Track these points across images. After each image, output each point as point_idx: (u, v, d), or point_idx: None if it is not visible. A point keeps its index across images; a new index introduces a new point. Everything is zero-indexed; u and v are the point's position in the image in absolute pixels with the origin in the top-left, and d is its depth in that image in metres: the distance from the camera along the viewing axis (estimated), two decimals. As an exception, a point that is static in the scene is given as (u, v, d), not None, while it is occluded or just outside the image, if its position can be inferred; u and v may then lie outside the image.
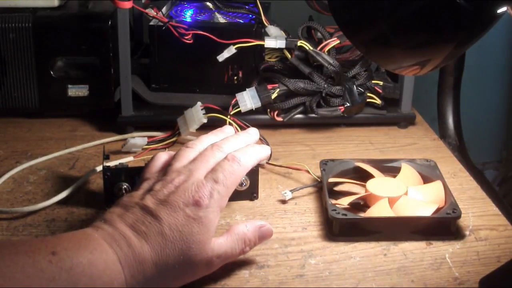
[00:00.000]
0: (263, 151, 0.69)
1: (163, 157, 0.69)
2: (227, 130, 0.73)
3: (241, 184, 0.76)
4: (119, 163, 0.77)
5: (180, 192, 0.61)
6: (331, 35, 0.95)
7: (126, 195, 0.64)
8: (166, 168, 0.66)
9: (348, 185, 0.81)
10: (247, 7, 1.05)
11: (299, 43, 0.94)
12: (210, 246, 0.61)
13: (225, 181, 0.63)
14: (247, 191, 0.78)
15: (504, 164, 1.48)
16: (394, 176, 0.79)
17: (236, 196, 0.75)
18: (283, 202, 0.78)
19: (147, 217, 0.60)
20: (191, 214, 0.60)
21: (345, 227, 0.71)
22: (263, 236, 0.66)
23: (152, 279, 0.58)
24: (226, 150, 0.66)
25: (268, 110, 0.95)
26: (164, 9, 1.02)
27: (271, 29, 0.98)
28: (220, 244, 0.62)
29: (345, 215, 0.70)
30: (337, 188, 0.81)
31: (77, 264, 0.54)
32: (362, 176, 0.80)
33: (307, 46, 0.93)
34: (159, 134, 0.91)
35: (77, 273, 0.54)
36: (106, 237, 0.58)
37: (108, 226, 0.59)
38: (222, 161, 0.64)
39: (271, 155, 0.78)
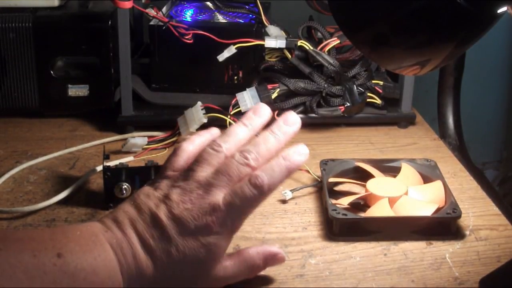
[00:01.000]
0: (296, 162, 0.61)
1: (187, 149, 0.64)
2: (258, 119, 0.65)
3: None
4: (119, 163, 0.77)
5: (194, 212, 0.58)
6: (331, 35, 0.95)
7: (145, 189, 0.61)
8: (189, 170, 0.61)
9: (348, 185, 0.81)
10: (247, 7, 1.05)
11: (299, 43, 0.94)
12: (215, 271, 0.59)
13: (242, 207, 0.59)
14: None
15: (504, 164, 1.48)
16: (394, 176, 0.79)
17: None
18: (283, 202, 0.78)
19: (157, 231, 0.58)
20: (201, 239, 0.58)
21: (345, 227, 0.71)
22: (273, 263, 0.64)
23: None
24: (254, 163, 0.60)
25: (268, 110, 0.95)
26: (164, 9, 1.02)
27: (271, 29, 0.98)
28: (225, 268, 0.60)
29: (345, 215, 0.70)
30: (337, 188, 0.81)
31: (80, 270, 0.54)
32: (362, 176, 0.80)
33: (307, 46, 0.93)
34: (159, 134, 0.91)
35: (79, 279, 0.54)
36: (113, 242, 0.57)
37: (118, 230, 0.58)
38: (244, 185, 0.59)
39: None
